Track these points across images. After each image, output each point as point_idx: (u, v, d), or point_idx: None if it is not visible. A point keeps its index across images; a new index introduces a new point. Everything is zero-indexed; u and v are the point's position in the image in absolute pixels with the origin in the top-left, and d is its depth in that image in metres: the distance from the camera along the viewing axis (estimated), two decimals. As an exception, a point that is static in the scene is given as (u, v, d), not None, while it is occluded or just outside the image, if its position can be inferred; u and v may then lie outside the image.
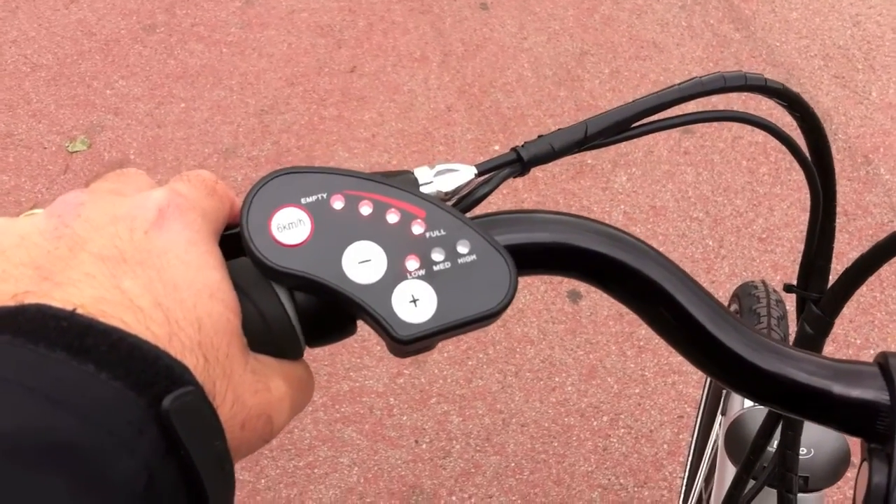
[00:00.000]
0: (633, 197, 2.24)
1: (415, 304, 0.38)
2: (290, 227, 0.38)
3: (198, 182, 0.38)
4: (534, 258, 0.44)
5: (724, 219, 2.20)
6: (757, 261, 2.11)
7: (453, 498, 1.72)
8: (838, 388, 0.41)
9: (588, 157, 2.32)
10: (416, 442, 1.80)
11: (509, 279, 0.40)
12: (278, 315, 0.38)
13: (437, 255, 0.40)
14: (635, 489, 1.73)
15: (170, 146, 2.42)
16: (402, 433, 1.81)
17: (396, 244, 0.39)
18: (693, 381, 1.87)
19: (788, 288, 0.64)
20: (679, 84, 0.50)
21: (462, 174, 0.45)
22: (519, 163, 0.47)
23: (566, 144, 0.47)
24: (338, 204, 0.39)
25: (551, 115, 2.49)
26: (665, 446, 1.79)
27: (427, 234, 0.40)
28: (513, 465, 1.77)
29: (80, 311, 0.30)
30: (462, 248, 0.40)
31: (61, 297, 0.30)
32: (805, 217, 2.19)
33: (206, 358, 0.32)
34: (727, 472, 0.95)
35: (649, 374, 1.89)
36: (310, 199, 0.39)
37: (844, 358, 0.51)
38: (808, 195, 0.60)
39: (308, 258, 0.38)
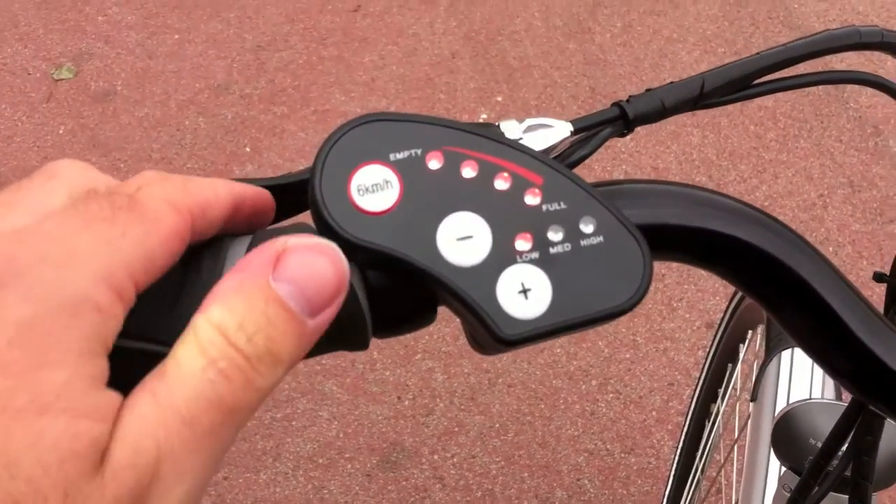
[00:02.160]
0: (635, 157, 2.17)
1: (525, 294, 0.30)
2: (373, 189, 0.30)
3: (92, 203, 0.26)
4: (670, 244, 0.37)
5: (727, 184, 2.14)
6: (760, 229, 2.05)
7: (435, 457, 1.68)
8: None
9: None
10: (399, 398, 1.75)
11: (643, 269, 0.32)
12: (346, 303, 0.29)
13: (556, 235, 0.32)
14: (622, 455, 1.68)
15: (159, 79, 2.33)
16: (385, 389, 1.76)
17: (505, 218, 0.31)
18: (685, 349, 1.82)
19: (879, 277, 0.56)
20: (808, 37, 0.44)
21: (557, 131, 0.37)
22: (622, 120, 0.40)
23: (679, 101, 0.41)
24: (434, 163, 0.31)
25: (558, 67, 2.41)
26: (654, 413, 1.74)
27: (544, 207, 0.32)
28: (497, 425, 1.72)
29: None
30: (586, 227, 0.32)
31: None
32: (810, 186, 2.14)
33: None
34: (760, 466, 0.89)
35: (641, 340, 1.83)
36: (400, 156, 0.31)
37: None
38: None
39: (394, 230, 0.30)
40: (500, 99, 2.32)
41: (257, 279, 0.26)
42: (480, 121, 2.26)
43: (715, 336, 1.21)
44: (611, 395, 1.76)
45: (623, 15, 2.58)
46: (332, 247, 0.28)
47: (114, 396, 0.24)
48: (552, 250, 0.31)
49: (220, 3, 2.55)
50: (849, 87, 2.38)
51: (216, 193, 0.29)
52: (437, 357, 1.80)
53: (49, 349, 0.23)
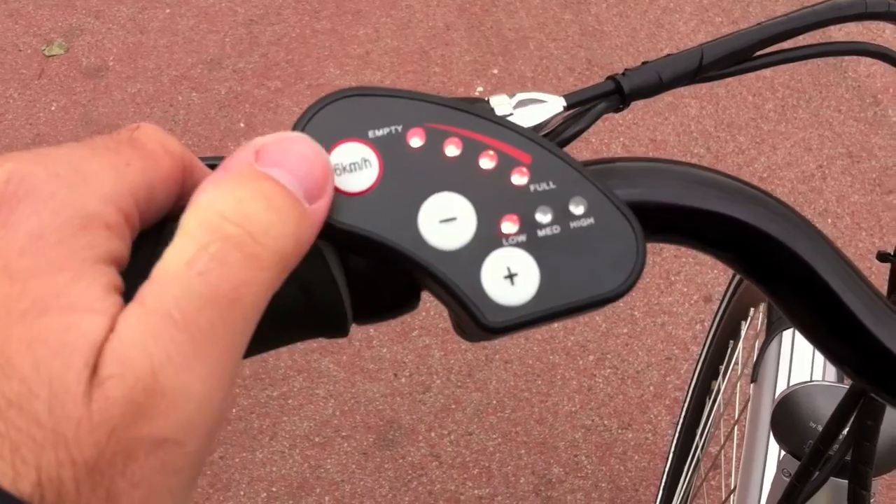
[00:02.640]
0: (633, 129, 2.15)
1: (511, 280, 0.29)
2: (351, 168, 0.29)
3: (103, 143, 0.26)
4: (665, 225, 0.35)
5: (725, 155, 2.12)
6: (758, 201, 2.03)
7: (432, 434, 1.67)
8: None
9: (590, 84, 2.23)
10: (396, 375, 1.75)
11: (636, 252, 0.31)
12: (322, 282, 0.29)
13: (544, 216, 0.30)
14: (619, 431, 1.68)
15: (152, 54, 2.31)
16: (382, 366, 1.76)
17: (490, 199, 0.30)
18: (683, 323, 1.81)
19: (883, 257, 0.55)
20: (811, 6, 0.42)
21: (549, 106, 0.36)
22: (617, 94, 0.39)
23: (676, 74, 0.39)
24: (416, 141, 0.30)
25: (554, 39, 2.38)
26: (651, 388, 1.74)
27: (531, 187, 0.30)
28: (494, 402, 1.72)
29: None
30: (576, 208, 0.30)
31: None
32: (809, 157, 2.12)
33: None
34: (759, 450, 0.88)
35: (638, 314, 1.83)
36: (379, 133, 0.30)
37: None
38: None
39: (373, 211, 0.29)
40: (496, 71, 2.30)
41: (244, 166, 0.26)
42: (476, 94, 2.24)
43: (716, 312, 1.20)
44: (608, 371, 1.76)
45: (620, -16, 2.55)
46: (307, 136, 0.27)
47: (119, 303, 0.23)
48: (540, 233, 0.30)
49: (212, -24, 2.52)
50: (847, 56, 2.35)
51: (201, 163, 0.29)
52: (433, 333, 1.79)
53: (58, 256, 0.22)
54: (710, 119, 2.19)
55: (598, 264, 0.30)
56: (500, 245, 0.29)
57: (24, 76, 2.25)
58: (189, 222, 0.24)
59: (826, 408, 0.78)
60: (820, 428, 0.73)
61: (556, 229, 0.30)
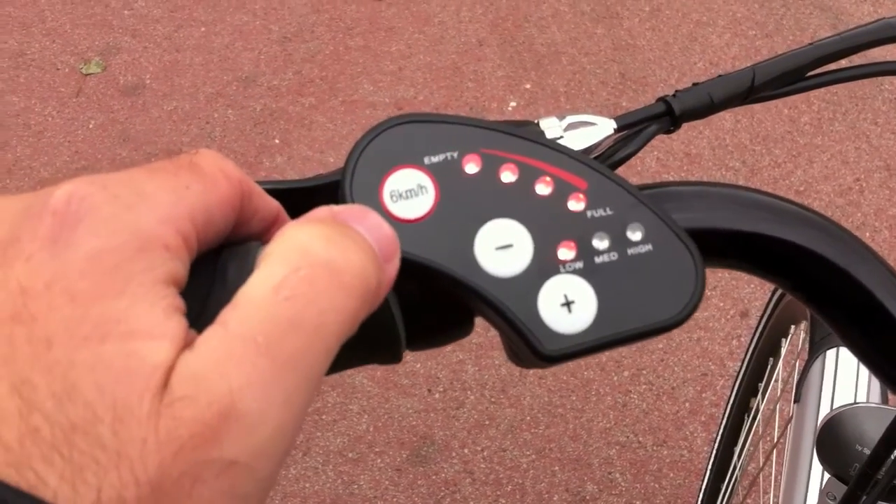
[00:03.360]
0: (667, 143, 2.14)
1: (568, 307, 0.29)
2: (407, 195, 0.29)
3: (166, 168, 0.26)
4: (724, 250, 0.35)
5: (761, 169, 2.10)
6: (794, 215, 2.01)
7: (465, 450, 1.67)
8: None
9: (623, 99, 2.22)
10: (429, 391, 1.74)
11: (695, 279, 0.30)
12: (378, 313, 0.28)
13: (601, 243, 0.30)
14: (654, 448, 1.67)
15: (188, 72, 2.33)
16: (415, 381, 1.75)
17: (547, 225, 0.30)
18: (719, 339, 1.79)
19: None
20: (864, 26, 0.42)
21: (599, 129, 0.36)
22: (668, 116, 0.39)
23: (728, 95, 0.39)
24: (472, 167, 0.30)
25: (586, 53, 2.37)
26: (687, 404, 1.72)
27: (588, 214, 0.30)
28: (528, 418, 1.71)
29: None
30: (634, 234, 0.30)
31: None
32: (846, 170, 2.10)
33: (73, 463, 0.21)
34: (801, 471, 0.86)
35: (674, 330, 1.81)
36: (435, 159, 0.30)
37: None
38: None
39: (429, 238, 0.29)
40: (528, 86, 2.30)
41: (325, 216, 0.26)
42: (509, 109, 2.24)
43: (755, 329, 1.19)
44: (643, 387, 1.74)
45: (652, -2, 2.54)
46: (371, 210, 0.28)
47: (182, 323, 0.23)
48: (597, 259, 0.30)
49: (247, -5, 2.54)
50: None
51: (259, 188, 0.29)
52: (467, 349, 1.79)
53: (117, 279, 0.22)
54: (745, 132, 2.17)
55: (656, 291, 0.30)
56: (557, 272, 0.29)
57: (62, 94, 2.28)
58: (278, 250, 0.24)
59: (873, 430, 0.76)
60: (867, 451, 0.71)
61: (614, 256, 0.30)
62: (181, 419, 0.21)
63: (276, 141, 2.18)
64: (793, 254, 0.35)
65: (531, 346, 0.29)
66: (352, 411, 1.72)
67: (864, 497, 0.66)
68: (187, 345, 0.22)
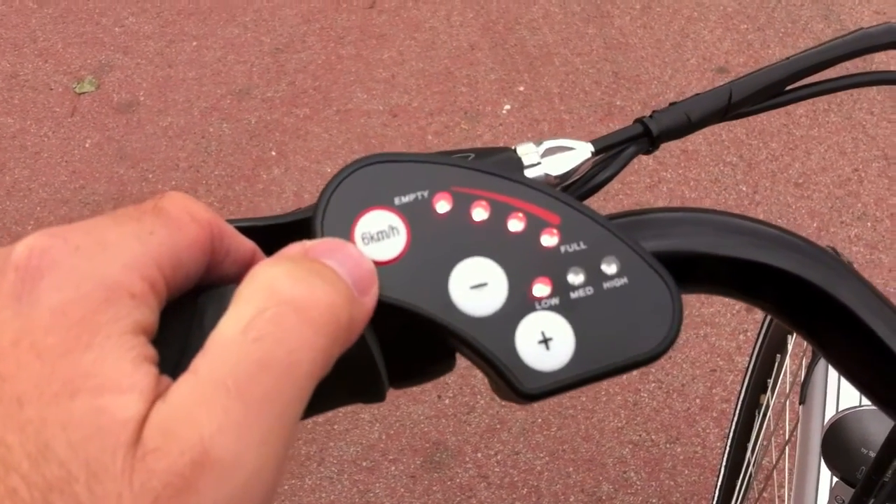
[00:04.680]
0: (664, 140, 2.15)
1: (546, 344, 0.29)
2: (379, 236, 0.29)
3: (128, 215, 0.26)
4: (699, 275, 0.35)
5: (758, 163, 2.11)
6: (793, 207, 2.02)
7: (478, 454, 1.67)
8: None
9: (617, 98, 2.23)
10: (440, 397, 1.74)
11: (672, 311, 0.30)
12: (356, 350, 0.28)
13: (576, 278, 0.30)
14: (667, 445, 1.67)
15: (181, 87, 2.33)
16: (425, 388, 1.75)
17: (521, 262, 0.29)
18: (726, 334, 1.80)
19: None
20: (842, 37, 0.42)
21: (577, 153, 0.36)
22: (646, 137, 0.39)
23: (705, 114, 0.39)
24: (443, 206, 0.29)
25: (579, 53, 2.38)
26: (697, 401, 1.72)
27: (562, 249, 0.30)
28: (540, 420, 1.71)
29: None
30: (609, 268, 0.30)
31: None
32: (844, 161, 2.11)
33: None
34: (810, 474, 0.86)
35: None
36: (406, 199, 0.29)
37: None
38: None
39: (403, 280, 0.28)
40: (522, 89, 2.30)
41: (297, 253, 0.27)
42: (504, 112, 2.24)
43: (761, 326, 1.19)
44: (652, 385, 1.74)
45: (642, -4, 2.55)
46: (350, 243, 0.28)
47: (153, 373, 0.23)
48: (573, 295, 0.29)
49: (235, 7, 2.54)
50: (877, 57, 2.33)
51: (231, 229, 0.28)
52: (475, 354, 1.79)
53: (83, 333, 0.22)
54: (741, 126, 2.18)
55: (634, 325, 0.30)
56: (533, 309, 0.29)
57: (57, 114, 2.28)
58: (245, 291, 0.24)
59: (878, 433, 0.77)
60: (872, 454, 0.71)
61: (590, 290, 0.30)
62: (154, 471, 0.21)
63: (273, 153, 2.18)
64: (771, 277, 0.35)
65: (510, 385, 0.28)
66: (363, 420, 1.71)
67: (872, 501, 0.66)
68: (160, 394, 0.22)
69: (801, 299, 0.35)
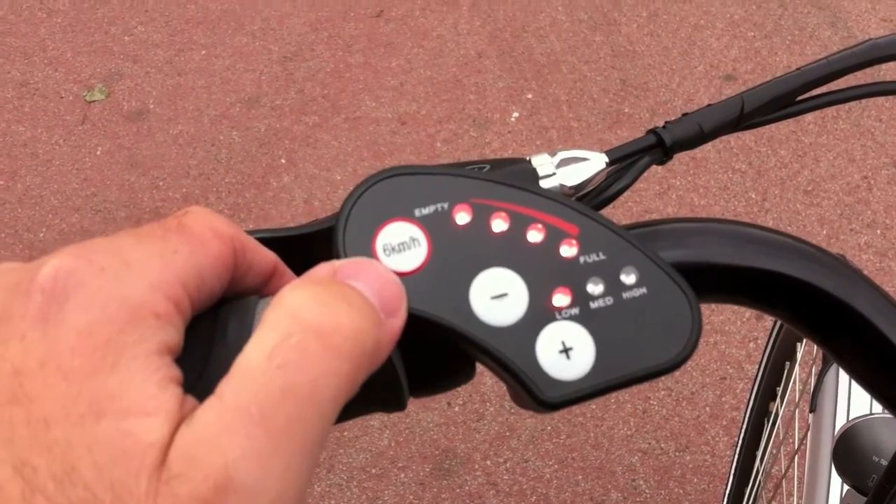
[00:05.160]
0: (672, 148, 2.15)
1: (566, 354, 0.29)
2: (400, 248, 0.29)
3: (144, 233, 0.26)
4: (717, 285, 0.35)
5: (767, 170, 2.11)
6: (802, 214, 2.02)
7: (487, 462, 1.67)
8: None
9: (625, 105, 2.23)
10: (449, 404, 1.75)
11: (691, 320, 0.30)
12: (380, 365, 0.28)
13: (596, 288, 0.30)
14: (676, 454, 1.67)
15: (190, 95, 2.34)
16: (434, 395, 1.75)
17: (541, 273, 0.30)
18: (735, 342, 1.80)
19: None
20: (851, 48, 0.42)
21: (591, 164, 0.36)
22: (659, 148, 0.39)
23: (718, 124, 0.40)
24: (462, 217, 0.30)
25: (586, 61, 2.38)
26: (707, 409, 1.72)
27: (581, 259, 0.30)
28: (549, 428, 1.71)
29: None
30: (628, 278, 0.30)
31: None
32: (853, 168, 2.11)
33: None
34: (821, 483, 0.86)
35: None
36: (426, 211, 0.30)
37: None
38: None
39: (424, 291, 0.29)
40: (530, 96, 2.31)
41: (324, 276, 0.26)
42: (512, 119, 2.25)
43: (770, 333, 1.19)
44: (662, 393, 1.74)
45: (647, 4, 2.55)
46: (379, 262, 0.28)
47: (177, 395, 0.23)
48: (593, 305, 0.30)
49: (244, 17, 2.55)
50: (883, 66, 2.33)
51: (253, 241, 0.29)
52: (484, 361, 1.79)
53: (109, 354, 0.22)
54: (750, 134, 2.18)
55: (654, 334, 0.30)
56: (553, 319, 0.29)
57: (67, 122, 2.29)
58: (271, 316, 0.24)
59: (889, 441, 0.76)
60: (883, 462, 0.71)
61: (609, 301, 0.30)
62: (178, 496, 0.21)
63: (283, 161, 2.18)
64: (787, 286, 0.35)
65: (531, 394, 0.29)
66: (373, 427, 1.72)
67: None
68: (184, 416, 0.22)
69: (817, 308, 0.35)
